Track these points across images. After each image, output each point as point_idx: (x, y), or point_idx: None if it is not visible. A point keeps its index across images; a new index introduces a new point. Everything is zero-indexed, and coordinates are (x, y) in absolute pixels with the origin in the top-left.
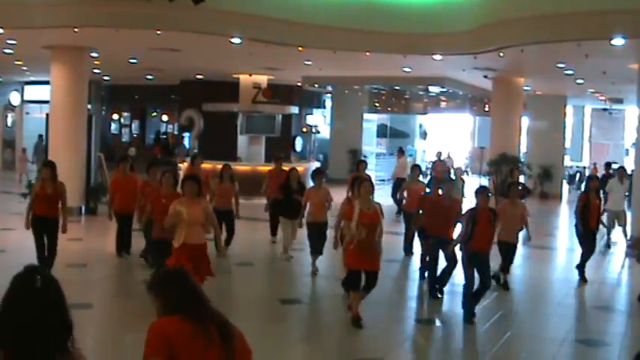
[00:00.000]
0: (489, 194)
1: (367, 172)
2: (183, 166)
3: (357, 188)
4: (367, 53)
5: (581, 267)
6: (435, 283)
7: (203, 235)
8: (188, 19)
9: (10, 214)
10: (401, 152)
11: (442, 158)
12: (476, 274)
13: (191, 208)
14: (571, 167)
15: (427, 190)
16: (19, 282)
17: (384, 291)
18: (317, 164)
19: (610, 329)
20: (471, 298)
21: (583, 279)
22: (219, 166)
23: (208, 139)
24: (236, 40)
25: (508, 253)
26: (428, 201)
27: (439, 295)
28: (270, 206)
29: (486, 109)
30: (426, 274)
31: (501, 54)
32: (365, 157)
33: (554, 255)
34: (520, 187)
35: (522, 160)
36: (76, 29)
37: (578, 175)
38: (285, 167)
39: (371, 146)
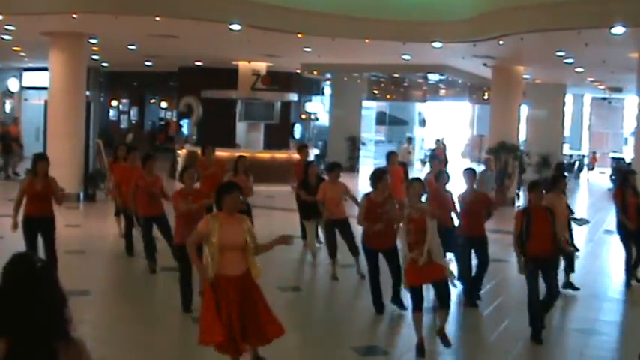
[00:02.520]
0: (543, 190)
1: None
2: (182, 154)
3: (406, 188)
4: (366, 40)
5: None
6: (471, 288)
7: (242, 264)
8: (187, 6)
9: (9, 200)
10: (409, 141)
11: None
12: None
13: (227, 229)
14: (570, 156)
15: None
16: (13, 270)
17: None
18: (316, 152)
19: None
20: (536, 311)
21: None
22: (223, 154)
23: (207, 126)
24: (235, 27)
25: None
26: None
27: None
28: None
29: (485, 97)
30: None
31: (501, 42)
32: (364, 144)
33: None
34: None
35: (521, 148)
36: (74, 15)
37: (577, 163)
38: (295, 155)
39: (370, 134)
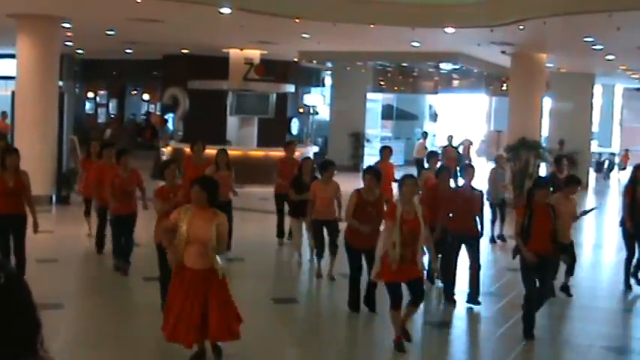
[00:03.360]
0: (551, 188)
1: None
2: (167, 151)
3: (399, 186)
4: (371, 25)
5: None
6: (453, 289)
7: (205, 259)
8: None
9: None
10: (424, 136)
11: (454, 143)
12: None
13: (196, 223)
14: (599, 154)
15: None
16: None
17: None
18: (315, 149)
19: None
20: (531, 310)
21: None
22: (213, 152)
23: (194, 121)
24: (225, 10)
25: (569, 253)
26: (435, 192)
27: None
28: (278, 201)
29: (504, 88)
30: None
31: (521, 27)
32: (368, 140)
33: (579, 252)
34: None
35: (544, 145)
36: None
37: (607, 162)
38: (297, 152)
39: (375, 129)
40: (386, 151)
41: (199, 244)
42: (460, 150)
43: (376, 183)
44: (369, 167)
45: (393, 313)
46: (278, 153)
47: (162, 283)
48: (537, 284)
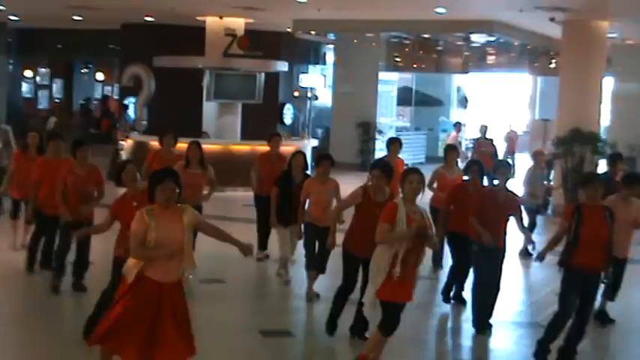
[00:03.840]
0: (599, 184)
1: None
2: (127, 146)
3: (401, 182)
4: None
5: None
6: (459, 291)
7: (177, 268)
8: None
9: None
10: (457, 127)
11: (489, 135)
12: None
13: (166, 226)
14: None
15: (465, 178)
16: None
17: (404, 320)
18: (313, 143)
19: None
20: (553, 334)
21: None
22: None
23: (162, 107)
24: None
25: (615, 272)
26: (462, 192)
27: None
28: (259, 206)
29: (552, 65)
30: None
31: None
32: (381, 132)
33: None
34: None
35: (603, 137)
36: None
37: None
38: (285, 147)
39: (389, 118)
40: (394, 144)
41: (173, 251)
42: (503, 145)
43: (386, 180)
44: (379, 161)
45: (380, 338)
46: (267, 148)
47: (107, 295)
48: (575, 306)
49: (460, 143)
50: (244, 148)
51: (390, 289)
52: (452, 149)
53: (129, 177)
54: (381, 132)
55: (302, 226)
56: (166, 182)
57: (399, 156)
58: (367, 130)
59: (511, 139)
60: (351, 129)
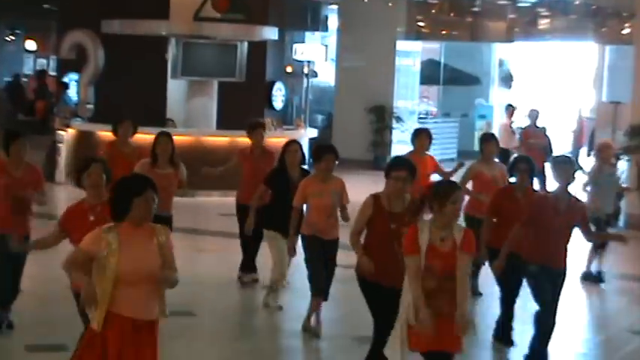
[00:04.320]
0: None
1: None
2: (67, 135)
3: (437, 202)
4: None
5: None
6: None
7: (153, 304)
8: None
9: None
10: (510, 112)
11: (540, 123)
12: None
13: (136, 252)
14: None
15: (511, 179)
16: None
17: None
18: (311, 133)
19: None
20: None
21: None
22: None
23: (113, 87)
24: None
25: None
26: (507, 198)
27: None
28: (242, 216)
29: (625, 32)
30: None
31: None
32: (399, 119)
33: None
34: None
35: None
36: None
37: None
38: (274, 139)
39: (410, 100)
40: (422, 137)
41: (145, 281)
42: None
43: (407, 184)
44: (397, 159)
45: None
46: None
47: None
48: None
49: (513, 132)
50: (221, 140)
51: (422, 335)
52: (489, 139)
53: (92, 180)
54: (399, 119)
55: (298, 238)
56: (147, 194)
57: (428, 152)
58: (381, 116)
59: (581, 127)
60: (361, 116)
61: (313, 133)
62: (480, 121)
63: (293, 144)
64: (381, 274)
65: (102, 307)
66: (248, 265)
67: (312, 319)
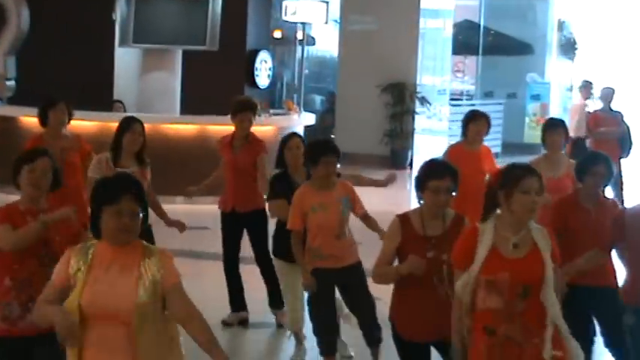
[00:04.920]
0: None
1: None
2: None
3: (504, 192)
4: None
5: None
6: None
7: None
8: None
9: None
10: (586, 89)
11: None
12: None
13: (103, 275)
14: None
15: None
16: None
17: None
18: (308, 119)
19: None
20: None
21: None
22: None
23: (41, 57)
24: None
25: None
26: (573, 209)
27: None
28: (228, 231)
29: None
30: None
31: None
32: (424, 100)
33: None
34: None
35: None
36: None
37: None
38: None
39: (440, 76)
40: (479, 122)
41: (117, 322)
42: None
43: (450, 195)
44: (436, 164)
45: None
46: (225, 128)
47: None
48: None
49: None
50: (187, 128)
51: None
52: (555, 127)
53: (35, 177)
54: (424, 101)
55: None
56: (122, 202)
57: (485, 145)
58: (400, 97)
59: None
60: (373, 96)
61: (310, 119)
62: (532, 104)
63: (293, 138)
64: (419, 327)
65: (72, 350)
66: (235, 301)
67: None
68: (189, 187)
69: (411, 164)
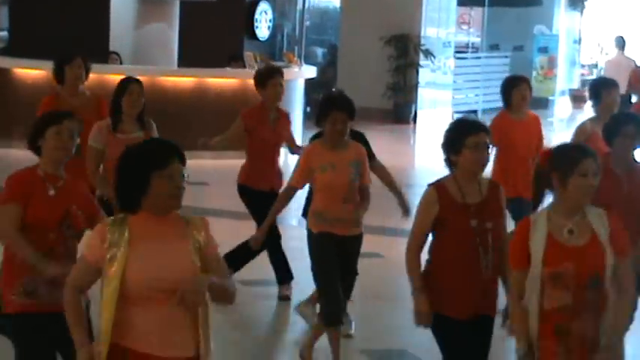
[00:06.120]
0: None
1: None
2: None
3: (558, 175)
4: None
5: None
6: None
7: (188, 338)
8: None
9: None
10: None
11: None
12: None
13: (161, 255)
14: None
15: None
16: None
17: None
18: (310, 72)
19: None
20: None
21: None
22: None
23: (35, 8)
24: None
25: None
26: (604, 177)
27: None
28: (255, 208)
29: None
30: None
31: None
32: (429, 53)
33: None
34: None
35: None
36: None
37: None
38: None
39: (444, 28)
40: (522, 87)
41: (171, 300)
42: None
43: (488, 150)
44: (469, 120)
45: None
46: (224, 80)
47: None
48: None
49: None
50: (184, 81)
51: None
52: (610, 85)
53: (62, 141)
54: (428, 54)
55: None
56: (172, 167)
57: (533, 113)
58: (404, 49)
59: None
60: (376, 48)
61: (311, 72)
62: (540, 56)
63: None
64: (463, 303)
65: (105, 337)
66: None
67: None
68: (201, 138)
69: (414, 118)
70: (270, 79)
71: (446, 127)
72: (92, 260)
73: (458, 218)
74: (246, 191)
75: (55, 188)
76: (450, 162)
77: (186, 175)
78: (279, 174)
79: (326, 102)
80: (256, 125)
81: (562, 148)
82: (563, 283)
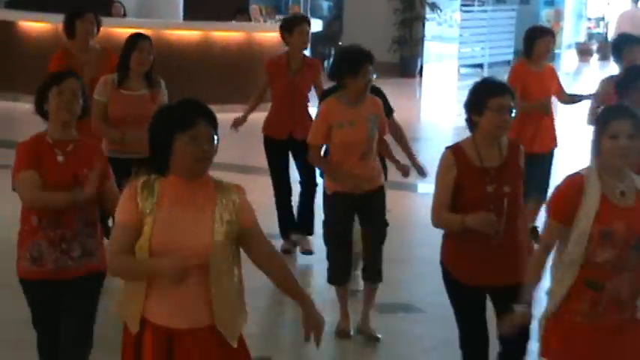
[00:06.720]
0: None
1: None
2: None
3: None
4: None
5: None
6: None
7: (206, 307)
8: None
9: None
10: None
11: None
12: None
13: (183, 220)
14: None
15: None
16: None
17: None
18: (316, 25)
19: None
20: None
21: None
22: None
23: None
24: None
25: None
26: None
27: None
28: (273, 159)
29: None
30: None
31: None
32: (434, 5)
33: None
34: None
35: None
36: None
37: None
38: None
39: None
40: (546, 40)
41: (194, 269)
42: None
43: (511, 114)
44: (490, 80)
45: None
46: (229, 34)
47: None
48: None
49: None
50: (190, 34)
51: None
52: (631, 42)
53: (64, 101)
54: (434, 7)
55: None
56: (197, 128)
57: (550, 65)
58: (410, 2)
59: None
60: (381, 1)
61: (317, 25)
62: (546, 10)
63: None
64: (481, 270)
65: (137, 305)
66: (287, 225)
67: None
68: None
69: (420, 72)
70: (296, 25)
71: (471, 85)
72: (129, 223)
73: (474, 184)
74: (265, 140)
75: (63, 154)
76: (470, 122)
77: (216, 138)
78: (301, 122)
79: (358, 55)
80: (275, 73)
81: (602, 110)
82: (611, 241)
